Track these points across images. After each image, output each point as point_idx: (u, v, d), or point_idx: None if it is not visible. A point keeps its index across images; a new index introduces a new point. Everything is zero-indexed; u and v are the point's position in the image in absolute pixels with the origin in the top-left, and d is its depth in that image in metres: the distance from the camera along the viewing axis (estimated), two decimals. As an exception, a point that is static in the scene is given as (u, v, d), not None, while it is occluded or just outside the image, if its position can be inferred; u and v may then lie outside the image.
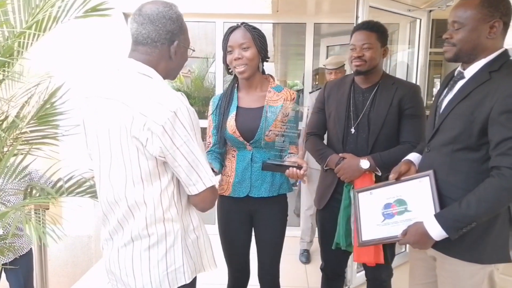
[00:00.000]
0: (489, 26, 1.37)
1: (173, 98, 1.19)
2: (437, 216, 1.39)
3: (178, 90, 6.38)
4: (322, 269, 2.22)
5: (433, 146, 1.52)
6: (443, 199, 1.45)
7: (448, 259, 1.45)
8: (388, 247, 1.93)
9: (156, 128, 1.15)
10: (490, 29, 1.37)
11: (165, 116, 1.15)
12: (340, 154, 1.92)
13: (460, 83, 1.46)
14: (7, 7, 1.41)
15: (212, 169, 1.76)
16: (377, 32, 1.90)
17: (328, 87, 2.10)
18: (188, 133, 1.19)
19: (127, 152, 1.21)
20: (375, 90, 1.95)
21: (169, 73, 1.33)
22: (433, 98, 1.65)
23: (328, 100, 2.06)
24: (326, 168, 2.01)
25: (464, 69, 1.47)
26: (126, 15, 3.84)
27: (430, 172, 1.47)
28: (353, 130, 1.96)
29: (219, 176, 1.97)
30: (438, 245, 1.42)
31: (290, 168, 1.75)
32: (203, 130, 1.94)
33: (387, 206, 1.56)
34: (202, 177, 1.24)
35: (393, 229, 1.52)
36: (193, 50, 1.39)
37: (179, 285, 1.30)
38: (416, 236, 1.42)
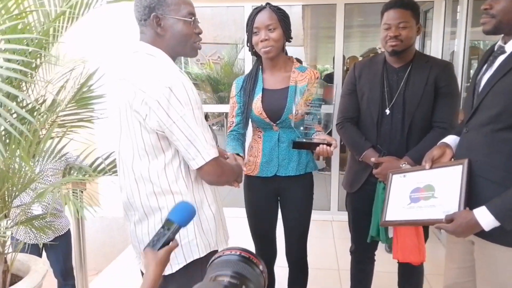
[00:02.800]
0: None
1: (170, 74, 1.22)
2: (489, 206, 1.31)
3: (208, 76, 6.42)
4: (352, 252, 2.22)
5: (471, 127, 1.45)
6: (480, 181, 1.39)
7: (487, 244, 1.40)
8: (424, 227, 1.88)
9: (152, 103, 1.20)
10: None
11: (160, 91, 1.19)
12: (379, 159, 1.86)
13: (501, 59, 1.38)
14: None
15: (238, 154, 1.78)
16: (412, 9, 1.83)
17: (358, 67, 2.04)
18: (183, 107, 1.21)
19: (132, 126, 1.28)
20: (409, 69, 1.89)
21: (170, 50, 1.32)
22: (471, 76, 1.58)
23: (359, 80, 2.00)
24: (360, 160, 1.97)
25: (505, 43, 1.38)
26: None
27: (465, 161, 1.42)
28: (388, 111, 1.91)
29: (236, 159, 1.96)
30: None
31: (321, 145, 1.75)
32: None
33: (416, 190, 1.54)
34: (201, 151, 1.25)
35: (417, 213, 1.49)
36: (191, 20, 1.32)
37: (194, 258, 1.34)
38: (464, 225, 1.33)
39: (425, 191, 1.51)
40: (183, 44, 1.34)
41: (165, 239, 1.04)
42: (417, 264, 1.87)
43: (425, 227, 1.93)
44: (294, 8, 5.03)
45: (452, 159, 1.56)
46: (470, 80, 1.55)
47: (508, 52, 1.36)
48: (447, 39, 3.70)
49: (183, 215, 1.10)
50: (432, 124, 1.89)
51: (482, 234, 1.36)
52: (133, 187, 1.34)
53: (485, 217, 1.30)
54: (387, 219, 1.59)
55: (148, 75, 1.24)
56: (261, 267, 0.71)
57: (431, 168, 1.53)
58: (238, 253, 0.71)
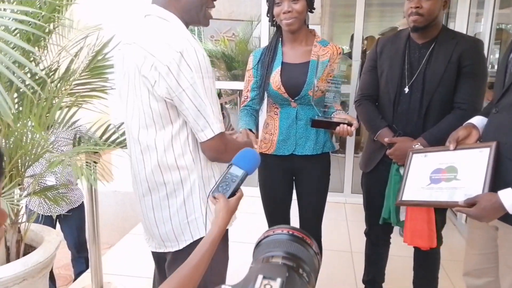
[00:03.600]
0: None
1: (181, 39, 1.16)
2: None
3: (222, 53, 6.34)
4: (366, 233, 2.17)
5: (502, 107, 1.37)
6: (507, 163, 1.32)
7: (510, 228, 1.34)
8: (439, 214, 1.83)
9: (162, 68, 1.14)
10: None
11: (171, 56, 1.13)
12: (393, 139, 1.79)
13: None
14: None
15: (251, 130, 1.73)
16: None
17: (380, 43, 1.95)
18: (194, 75, 1.15)
19: (139, 93, 1.22)
20: (433, 45, 1.79)
21: (187, 14, 1.26)
22: (503, 55, 1.49)
23: (380, 57, 1.91)
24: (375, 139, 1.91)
25: None
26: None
27: (493, 144, 1.35)
28: (406, 90, 1.82)
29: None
30: (502, 215, 1.30)
31: (341, 125, 1.69)
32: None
33: (437, 171, 1.48)
34: (210, 123, 1.19)
35: (436, 194, 1.44)
36: None
37: (201, 235, 1.29)
38: (488, 209, 1.26)
39: (447, 172, 1.45)
40: (198, 10, 1.28)
41: (235, 187, 1.02)
42: (425, 249, 1.82)
43: (441, 213, 1.88)
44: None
45: (478, 141, 1.49)
46: (501, 59, 1.47)
47: None
48: (472, 20, 3.55)
49: (251, 162, 1.06)
50: (452, 105, 1.80)
51: (508, 219, 1.30)
52: (139, 159, 1.29)
53: (510, 199, 1.23)
54: (403, 198, 1.54)
55: (158, 39, 1.18)
56: (314, 247, 0.64)
57: (455, 149, 1.46)
58: (289, 232, 0.63)
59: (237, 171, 1.03)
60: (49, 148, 1.52)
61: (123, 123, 1.73)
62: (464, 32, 3.53)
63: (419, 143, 1.71)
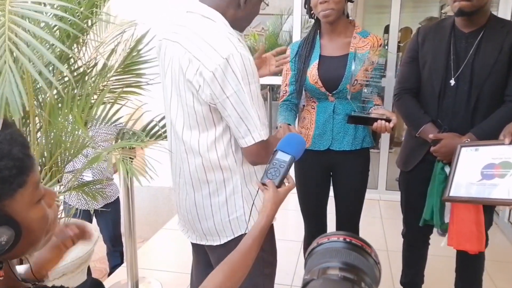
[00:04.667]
0: None
1: (228, 43, 1.13)
2: None
3: (252, 48, 6.31)
4: (403, 235, 2.08)
5: None
6: None
7: None
8: (487, 213, 1.72)
9: (207, 74, 1.12)
10: None
11: (217, 62, 1.11)
12: (438, 135, 1.69)
13: None
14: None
15: (289, 125, 1.69)
16: None
17: (422, 32, 1.84)
18: (240, 82, 1.12)
19: (184, 95, 1.21)
20: (481, 34, 1.68)
21: (236, 23, 1.25)
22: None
23: (422, 46, 1.81)
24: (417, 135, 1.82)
25: None
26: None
27: None
28: (452, 82, 1.72)
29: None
30: None
31: (379, 121, 1.62)
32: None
33: (490, 166, 1.40)
34: (252, 130, 1.17)
35: (488, 190, 1.37)
36: (267, 4, 1.31)
37: (243, 232, 1.30)
38: None
39: (501, 168, 1.37)
40: (249, 22, 1.31)
41: (283, 172, 1.01)
42: (473, 253, 1.71)
43: (489, 212, 1.78)
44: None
45: None
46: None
47: None
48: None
49: (296, 146, 1.05)
50: (504, 98, 1.69)
51: None
52: (183, 157, 1.30)
53: None
54: (451, 194, 1.47)
55: (203, 43, 1.15)
56: (373, 256, 0.58)
57: (511, 143, 1.37)
58: (345, 239, 0.58)
59: (284, 157, 1.02)
60: (90, 144, 1.53)
61: (163, 117, 1.73)
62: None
63: (468, 139, 1.61)
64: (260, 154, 1.22)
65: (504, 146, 1.39)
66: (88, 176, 2.23)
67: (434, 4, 5.81)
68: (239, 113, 1.16)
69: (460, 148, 1.53)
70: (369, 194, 3.85)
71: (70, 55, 1.42)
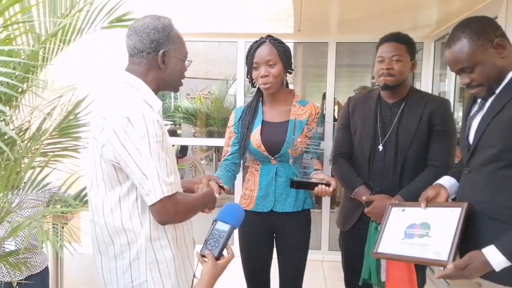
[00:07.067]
0: (493, 48, 1.32)
1: (132, 105, 1.19)
2: (498, 245, 1.25)
3: (198, 110, 6.44)
4: (346, 294, 2.10)
5: (472, 167, 1.43)
6: (488, 221, 1.36)
7: (495, 286, 1.34)
8: (419, 273, 1.80)
9: (109, 132, 1.17)
10: (496, 49, 1.32)
11: (117, 120, 1.17)
12: (370, 197, 1.81)
13: (491, 99, 1.40)
14: (32, 15, 1.42)
15: (222, 186, 1.67)
16: (407, 44, 1.84)
17: (352, 102, 2.03)
18: (140, 139, 1.16)
19: (92, 154, 1.25)
20: (403, 104, 1.88)
21: (162, 84, 1.34)
22: (463, 115, 1.58)
23: (353, 115, 1.98)
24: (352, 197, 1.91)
25: None
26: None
27: (465, 204, 1.40)
28: (380, 147, 1.87)
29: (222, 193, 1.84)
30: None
31: (319, 186, 1.69)
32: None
33: (412, 226, 1.51)
34: (156, 187, 1.17)
35: (408, 249, 1.45)
36: (190, 61, 1.40)
37: None
38: (477, 268, 1.26)
39: (420, 228, 1.48)
40: (177, 81, 1.39)
41: (223, 242, 1.02)
42: None
43: (421, 272, 1.86)
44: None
45: (449, 200, 1.55)
46: (462, 119, 1.56)
47: (496, 92, 1.38)
48: (436, 80, 3.76)
49: (235, 215, 1.06)
50: (426, 162, 1.85)
51: (491, 276, 1.29)
52: (90, 218, 1.30)
53: (495, 257, 1.25)
54: (379, 250, 1.54)
55: (112, 104, 1.23)
56: None
57: (428, 206, 1.50)
58: None
59: (223, 226, 1.03)
60: (13, 211, 1.43)
61: None
62: (430, 91, 3.72)
63: (396, 201, 1.72)
64: (168, 211, 1.19)
65: (426, 208, 1.50)
66: (10, 244, 2.04)
67: (366, 75, 6.38)
68: (142, 169, 1.17)
69: (390, 208, 1.62)
70: (312, 255, 3.85)
71: (1, 118, 1.37)
